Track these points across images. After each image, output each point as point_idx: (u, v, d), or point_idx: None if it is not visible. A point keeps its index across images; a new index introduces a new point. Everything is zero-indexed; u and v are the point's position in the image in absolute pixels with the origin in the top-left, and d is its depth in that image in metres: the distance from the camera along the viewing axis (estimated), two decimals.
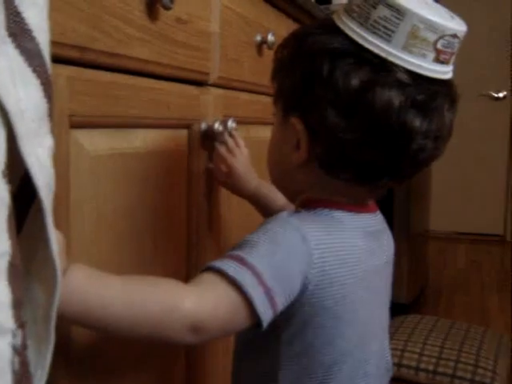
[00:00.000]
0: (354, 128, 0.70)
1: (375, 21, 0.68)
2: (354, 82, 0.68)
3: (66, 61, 0.66)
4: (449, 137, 0.76)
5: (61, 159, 0.66)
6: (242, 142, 0.98)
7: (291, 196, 0.83)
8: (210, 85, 1.00)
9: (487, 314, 2.76)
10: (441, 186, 4.38)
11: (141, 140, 0.82)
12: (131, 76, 0.78)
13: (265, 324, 0.66)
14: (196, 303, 0.63)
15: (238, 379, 0.83)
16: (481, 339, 2.15)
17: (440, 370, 1.97)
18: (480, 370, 1.94)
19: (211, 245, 1.02)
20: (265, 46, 1.18)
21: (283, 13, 1.35)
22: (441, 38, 0.70)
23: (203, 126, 0.95)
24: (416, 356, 2.02)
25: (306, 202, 0.79)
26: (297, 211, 0.77)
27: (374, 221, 0.81)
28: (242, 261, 0.66)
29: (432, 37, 0.69)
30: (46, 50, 0.43)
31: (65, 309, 0.55)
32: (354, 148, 0.71)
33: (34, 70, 0.41)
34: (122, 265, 0.79)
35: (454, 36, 0.71)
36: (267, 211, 0.99)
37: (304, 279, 0.69)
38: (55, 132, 0.63)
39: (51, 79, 0.44)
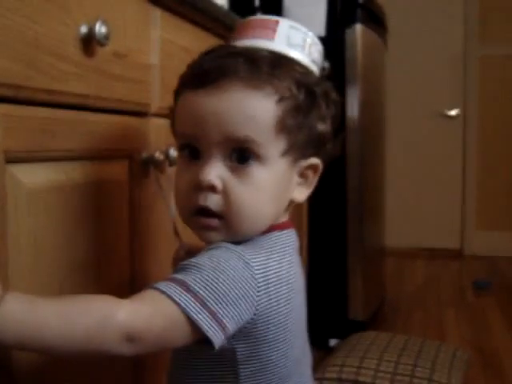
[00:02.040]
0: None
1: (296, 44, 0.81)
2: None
3: (1, 99, 0.69)
4: None
5: None
6: None
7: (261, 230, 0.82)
8: (152, 115, 1.03)
9: (444, 328, 2.81)
10: (396, 203, 4.46)
11: (79, 172, 0.84)
12: (69, 110, 0.81)
13: (217, 345, 0.68)
14: (131, 313, 0.65)
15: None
16: (435, 353, 2.20)
17: None
18: None
19: (155, 276, 1.04)
20: None
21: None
22: None
23: (144, 155, 0.98)
24: (372, 372, 2.05)
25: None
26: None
27: (294, 236, 0.85)
28: (186, 287, 0.68)
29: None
30: None
31: (3, 336, 0.59)
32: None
33: None
34: (61, 293, 0.81)
35: None
36: None
37: (252, 302, 0.71)
38: None
39: None
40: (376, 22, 2.70)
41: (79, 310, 0.64)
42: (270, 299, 0.74)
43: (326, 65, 2.30)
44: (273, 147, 0.75)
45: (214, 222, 0.75)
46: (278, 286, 0.75)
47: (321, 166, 0.82)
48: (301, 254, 2.42)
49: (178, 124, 0.79)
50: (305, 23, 2.31)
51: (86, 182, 0.85)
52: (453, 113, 4.57)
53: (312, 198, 2.58)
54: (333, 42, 2.41)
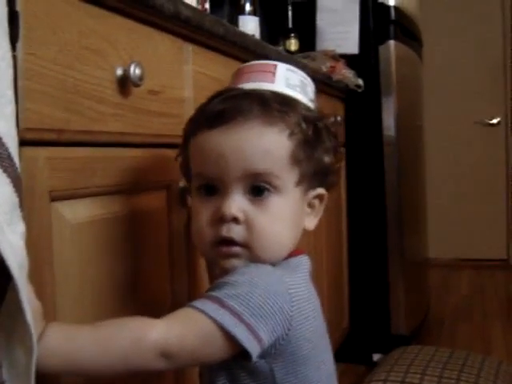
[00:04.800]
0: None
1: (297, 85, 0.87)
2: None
3: (45, 143, 0.75)
4: None
5: (44, 230, 0.74)
6: None
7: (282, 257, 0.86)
8: None
9: (490, 341, 2.78)
10: (440, 213, 4.44)
11: (119, 205, 0.90)
12: (107, 148, 0.87)
13: (254, 356, 0.71)
14: (163, 332, 0.68)
15: None
16: (479, 367, 2.19)
17: None
18: None
19: (195, 299, 1.09)
20: None
21: None
22: None
23: (181, 184, 1.03)
24: None
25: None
26: None
27: (308, 261, 0.87)
28: (221, 303, 0.71)
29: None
30: (14, 152, 0.50)
31: (46, 364, 0.64)
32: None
33: (5, 171, 0.49)
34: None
35: None
36: None
37: (286, 316, 0.74)
38: (37, 206, 0.72)
39: (20, 175, 0.52)
40: (410, 36, 2.73)
41: (113, 334, 0.68)
42: (302, 315, 0.77)
43: (361, 82, 2.34)
44: (288, 178, 0.80)
45: (238, 249, 0.79)
46: (306, 303, 0.79)
47: (326, 196, 0.87)
48: (342, 269, 2.44)
49: (195, 165, 0.83)
50: (338, 42, 2.38)
51: (126, 213, 0.91)
52: (494, 121, 4.53)
53: (351, 213, 2.60)
54: (367, 59, 2.44)
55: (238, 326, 0.70)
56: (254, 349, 0.70)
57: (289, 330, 0.75)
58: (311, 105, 0.87)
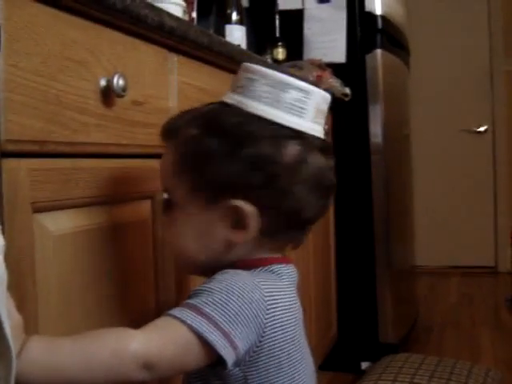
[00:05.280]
0: (300, 193, 0.81)
1: (289, 102, 0.80)
2: (293, 155, 0.80)
3: (27, 154, 0.74)
4: None
5: (26, 242, 0.74)
6: None
7: (212, 271, 0.84)
8: None
9: (478, 348, 2.78)
10: (427, 221, 4.46)
11: (103, 216, 0.89)
12: (90, 159, 0.86)
13: (229, 363, 0.72)
14: (144, 342, 0.69)
15: None
16: (467, 374, 2.19)
17: None
18: None
19: None
20: None
21: None
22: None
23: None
24: None
25: (239, 265, 0.83)
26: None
27: (294, 271, 0.89)
28: (198, 311, 0.72)
29: (325, 107, 0.86)
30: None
31: (28, 377, 0.64)
32: (298, 210, 0.82)
33: None
34: None
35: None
36: None
37: (260, 323, 0.75)
38: (19, 218, 0.72)
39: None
40: (397, 45, 2.74)
41: (94, 346, 0.69)
42: (276, 323, 0.78)
43: (348, 90, 2.35)
44: (179, 190, 0.83)
45: None
46: (284, 311, 0.80)
47: (248, 209, 0.79)
48: (329, 277, 2.43)
49: None
50: (325, 51, 2.38)
51: (109, 224, 0.90)
52: (481, 129, 4.55)
53: (338, 221, 2.60)
54: (354, 68, 2.45)
55: (215, 332, 0.70)
56: (229, 356, 0.71)
57: (262, 337, 0.76)
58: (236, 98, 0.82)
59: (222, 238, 0.82)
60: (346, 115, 2.44)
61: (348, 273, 2.49)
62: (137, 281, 0.98)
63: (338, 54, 2.44)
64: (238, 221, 0.80)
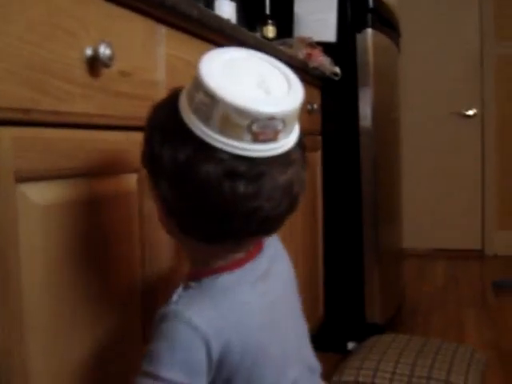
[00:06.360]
0: (184, 198, 0.76)
1: (197, 104, 0.72)
2: (179, 158, 0.73)
3: (11, 122, 0.72)
4: (292, 192, 0.78)
5: (9, 212, 0.72)
6: None
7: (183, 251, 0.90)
8: None
9: (463, 329, 2.80)
10: (415, 205, 4.47)
11: (89, 188, 0.88)
12: (76, 130, 0.84)
13: None
14: None
15: None
16: (453, 355, 2.21)
17: None
18: None
19: (165, 281, 1.08)
20: None
21: None
22: (254, 122, 0.70)
23: None
24: (389, 375, 2.07)
25: (192, 275, 0.85)
26: (185, 288, 0.82)
27: (261, 262, 0.86)
28: (155, 376, 0.75)
29: (244, 122, 0.70)
30: None
31: None
32: (191, 215, 0.77)
33: None
34: (75, 308, 0.85)
35: (271, 118, 0.71)
36: None
37: (210, 358, 0.77)
38: (1, 187, 0.70)
39: None
40: (388, 25, 2.72)
41: None
42: (225, 346, 0.77)
43: (338, 69, 2.33)
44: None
45: None
46: (232, 331, 0.78)
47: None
48: (317, 258, 2.43)
49: None
50: (316, 29, 2.36)
51: (95, 196, 0.89)
52: (470, 112, 4.55)
53: (327, 202, 2.59)
54: (344, 47, 2.43)
55: None
56: None
57: (217, 366, 0.78)
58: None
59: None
60: (335, 95, 2.42)
61: (336, 254, 2.49)
62: (122, 254, 0.97)
63: (329, 33, 2.42)
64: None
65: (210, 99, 0.70)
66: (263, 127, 0.71)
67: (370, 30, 2.43)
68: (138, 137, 0.99)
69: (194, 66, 1.17)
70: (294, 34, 2.47)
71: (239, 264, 0.83)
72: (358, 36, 2.42)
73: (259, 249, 0.87)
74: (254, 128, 0.70)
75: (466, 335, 2.71)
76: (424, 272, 4.01)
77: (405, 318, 2.96)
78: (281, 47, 2.05)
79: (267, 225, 0.79)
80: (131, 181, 0.99)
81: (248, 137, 0.71)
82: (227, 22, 1.35)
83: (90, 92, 0.86)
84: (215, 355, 0.77)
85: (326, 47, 2.32)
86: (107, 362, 0.93)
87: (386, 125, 2.73)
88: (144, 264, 1.03)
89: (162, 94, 1.06)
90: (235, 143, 0.71)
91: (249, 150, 0.71)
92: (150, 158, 0.78)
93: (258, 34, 2.34)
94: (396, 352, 2.20)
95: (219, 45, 1.30)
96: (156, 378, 0.75)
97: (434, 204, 4.59)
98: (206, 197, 0.73)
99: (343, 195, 2.47)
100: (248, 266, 0.84)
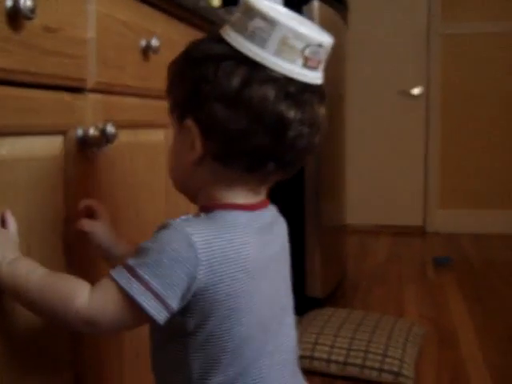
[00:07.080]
0: (239, 119, 0.79)
1: (252, 31, 0.79)
2: (235, 79, 0.78)
3: None
4: (321, 129, 0.85)
5: None
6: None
7: (194, 197, 0.91)
8: (89, 91, 1.02)
9: (403, 304, 2.84)
10: (360, 181, 4.51)
11: (8, 148, 0.82)
12: None
13: (161, 322, 0.77)
14: (87, 301, 0.78)
15: (155, 364, 0.91)
16: (391, 328, 2.23)
17: (350, 360, 2.03)
18: (388, 359, 2.01)
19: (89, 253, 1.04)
20: (151, 51, 1.20)
21: (174, 17, 1.38)
22: (307, 46, 0.79)
23: (79, 132, 0.96)
24: (327, 348, 2.08)
25: (204, 207, 0.87)
26: (195, 215, 0.85)
27: (267, 215, 0.90)
28: (132, 271, 0.77)
29: (299, 45, 0.79)
30: None
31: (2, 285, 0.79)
32: (241, 136, 0.80)
33: None
34: None
35: (320, 45, 0.80)
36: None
37: (192, 280, 0.77)
38: None
39: None
40: None
41: (52, 291, 0.79)
42: (213, 276, 0.78)
43: None
44: (169, 109, 0.89)
45: None
46: (224, 264, 0.79)
47: (192, 129, 0.83)
48: None
49: None
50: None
51: (17, 158, 0.84)
52: (416, 91, 4.59)
53: None
54: None
55: (146, 294, 0.76)
56: (160, 316, 0.77)
57: (198, 289, 0.78)
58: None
59: (185, 160, 0.86)
60: None
61: None
62: (44, 227, 0.92)
63: (275, 4, 2.38)
64: (192, 142, 0.83)
65: (268, 24, 0.78)
66: (313, 53, 0.80)
67: (316, 3, 2.41)
68: (68, 97, 0.95)
69: (129, 26, 1.13)
70: (239, 2, 2.41)
71: (251, 208, 0.86)
72: (305, 8, 2.40)
73: (267, 202, 0.92)
74: (307, 53, 0.79)
75: (405, 310, 2.75)
76: (366, 248, 4.06)
77: (346, 293, 2.99)
78: (226, 17, 2.00)
79: (298, 157, 0.86)
80: (57, 143, 0.94)
81: (299, 61, 0.79)
82: None
83: (10, 46, 0.80)
84: (198, 283, 0.77)
85: None
86: None
87: (331, 101, 2.72)
88: (68, 224, 0.98)
89: (92, 52, 1.01)
90: (289, 66, 0.79)
91: (300, 74, 0.79)
92: (199, 85, 0.81)
93: (202, 2, 2.28)
94: (335, 326, 2.21)
95: (156, 7, 1.25)
96: (133, 273, 0.76)
97: (377, 181, 4.64)
98: (261, 117, 0.78)
99: None
100: (257, 213, 0.87)
